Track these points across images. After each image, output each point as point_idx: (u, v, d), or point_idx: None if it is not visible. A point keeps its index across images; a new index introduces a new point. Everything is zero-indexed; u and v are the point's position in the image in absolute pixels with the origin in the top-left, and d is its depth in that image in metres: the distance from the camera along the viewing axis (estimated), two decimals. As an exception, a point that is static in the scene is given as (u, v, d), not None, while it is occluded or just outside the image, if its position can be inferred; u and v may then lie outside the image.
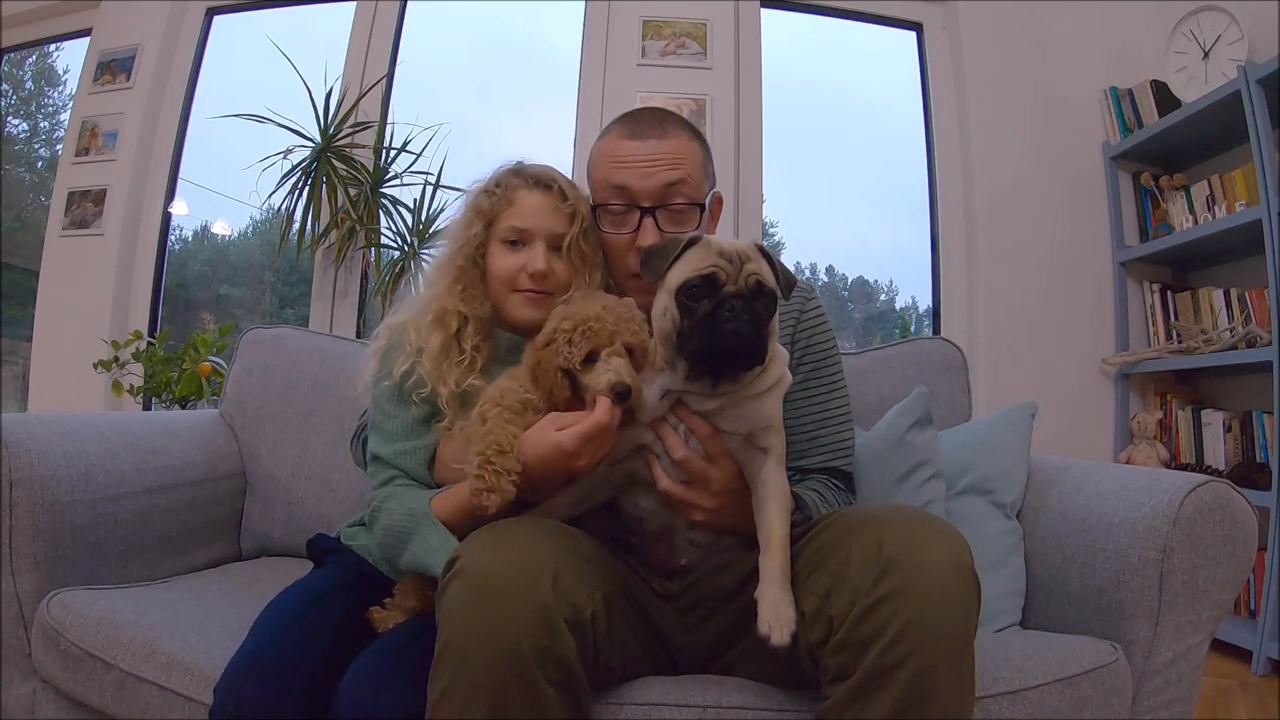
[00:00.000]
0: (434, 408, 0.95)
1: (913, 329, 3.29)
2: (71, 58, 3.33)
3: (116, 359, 2.29)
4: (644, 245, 0.94)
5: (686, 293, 0.81)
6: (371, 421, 1.00)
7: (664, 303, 0.84)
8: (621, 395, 0.79)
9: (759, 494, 0.83)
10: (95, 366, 2.30)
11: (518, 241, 0.97)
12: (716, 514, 0.86)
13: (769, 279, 0.81)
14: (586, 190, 1.03)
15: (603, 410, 0.79)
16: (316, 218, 2.46)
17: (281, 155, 2.48)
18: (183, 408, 2.13)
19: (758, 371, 0.83)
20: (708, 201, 1.01)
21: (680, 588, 0.90)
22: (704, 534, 0.89)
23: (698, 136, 1.02)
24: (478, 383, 0.93)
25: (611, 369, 0.80)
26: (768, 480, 0.82)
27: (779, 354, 0.88)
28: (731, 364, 0.81)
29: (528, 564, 0.71)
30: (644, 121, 0.99)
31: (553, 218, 0.97)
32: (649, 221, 0.96)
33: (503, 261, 0.97)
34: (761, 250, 0.84)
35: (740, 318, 0.78)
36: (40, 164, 3.59)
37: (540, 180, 0.98)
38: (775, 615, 0.74)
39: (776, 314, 0.83)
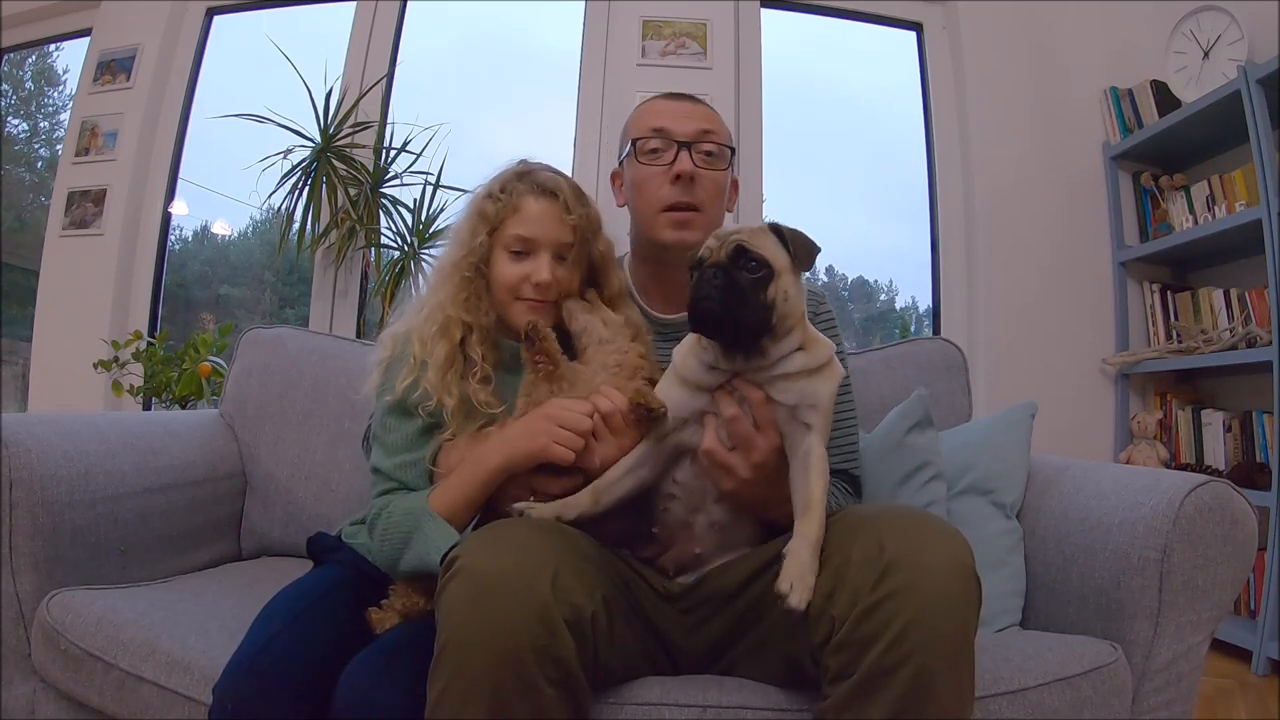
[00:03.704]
0: (438, 419, 0.94)
1: (913, 329, 3.29)
2: (71, 58, 3.33)
3: (116, 359, 2.28)
4: (681, 170, 1.03)
5: (689, 277, 0.86)
6: (373, 434, 1.00)
7: None
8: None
9: (800, 463, 0.82)
10: (95, 366, 2.29)
11: (522, 250, 0.97)
12: (748, 486, 0.85)
13: (756, 245, 0.82)
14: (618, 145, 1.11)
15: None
16: (316, 218, 2.46)
17: (281, 155, 2.48)
18: (183, 408, 2.13)
19: (788, 349, 0.83)
20: (727, 184, 1.11)
21: (682, 589, 0.91)
22: (724, 513, 0.89)
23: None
24: (482, 394, 0.93)
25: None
26: (811, 451, 0.82)
27: (819, 337, 0.87)
28: (714, 328, 0.82)
29: (527, 563, 0.71)
30: (679, 94, 1.13)
31: (558, 227, 0.96)
32: (685, 153, 1.05)
33: (508, 270, 0.96)
34: (773, 227, 0.86)
35: (711, 283, 0.81)
36: (40, 164, 3.59)
37: (546, 188, 0.97)
38: (799, 576, 0.73)
39: (783, 281, 0.83)
